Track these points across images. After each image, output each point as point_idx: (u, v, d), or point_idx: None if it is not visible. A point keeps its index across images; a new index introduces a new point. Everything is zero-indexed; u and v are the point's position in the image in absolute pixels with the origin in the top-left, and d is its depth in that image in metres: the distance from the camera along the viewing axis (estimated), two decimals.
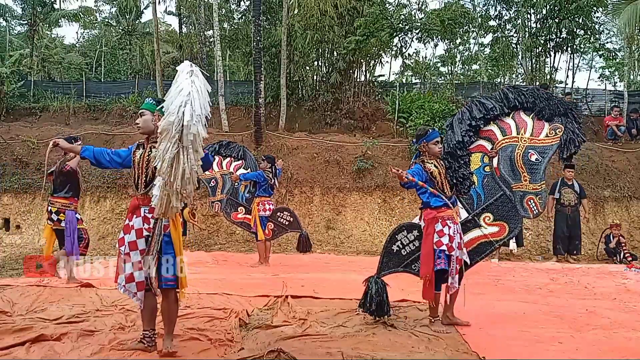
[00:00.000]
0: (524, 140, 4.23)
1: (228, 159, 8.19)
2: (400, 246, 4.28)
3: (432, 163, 4.11)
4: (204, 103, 2.94)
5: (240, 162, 8.12)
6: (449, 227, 3.99)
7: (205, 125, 2.99)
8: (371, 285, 4.20)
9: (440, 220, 4.00)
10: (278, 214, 7.66)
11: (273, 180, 7.46)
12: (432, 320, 4.06)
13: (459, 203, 4.34)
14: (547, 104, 4.20)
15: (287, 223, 7.64)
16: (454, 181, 4.11)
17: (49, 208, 5.79)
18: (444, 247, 3.93)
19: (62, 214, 5.76)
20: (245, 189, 7.95)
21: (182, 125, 2.84)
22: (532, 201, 4.18)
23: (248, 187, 7.86)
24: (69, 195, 5.81)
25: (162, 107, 3.03)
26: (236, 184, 8.00)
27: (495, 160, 4.30)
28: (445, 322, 4.09)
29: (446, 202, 4.03)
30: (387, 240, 4.38)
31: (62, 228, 5.74)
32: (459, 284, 4.05)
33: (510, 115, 4.30)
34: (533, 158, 4.18)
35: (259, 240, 7.46)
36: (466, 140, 4.21)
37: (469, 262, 4.17)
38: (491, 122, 4.31)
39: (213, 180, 8.16)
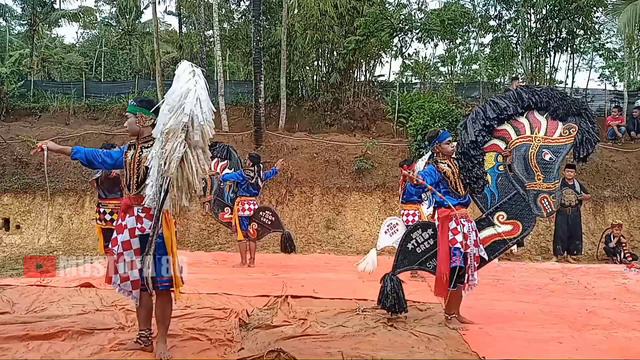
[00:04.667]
0: (538, 140, 4.25)
1: (215, 159, 8.14)
2: (415, 244, 4.34)
3: (445, 163, 4.16)
4: (209, 103, 2.96)
5: (225, 162, 8.04)
6: (463, 225, 4.05)
7: (211, 125, 3.00)
8: (387, 283, 4.28)
9: (454, 219, 4.05)
10: (260, 213, 7.45)
11: (254, 179, 7.27)
12: (449, 318, 4.10)
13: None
14: (561, 104, 4.20)
15: (269, 223, 7.43)
16: (467, 181, 4.13)
17: (101, 209, 6.18)
18: (458, 245, 3.98)
19: (115, 214, 6.10)
20: (229, 189, 7.88)
21: (194, 125, 2.85)
22: (545, 200, 4.21)
23: (232, 187, 7.77)
24: (118, 195, 6.23)
25: (155, 107, 3.08)
26: (222, 184, 7.96)
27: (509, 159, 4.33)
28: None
29: (459, 201, 4.08)
30: (402, 238, 4.45)
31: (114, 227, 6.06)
32: (477, 281, 4.14)
33: (524, 115, 4.31)
34: (547, 157, 4.20)
35: (239, 240, 7.41)
36: (480, 140, 4.23)
37: (486, 259, 4.22)
38: (505, 122, 4.32)
39: (202, 180, 8.12)
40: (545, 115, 4.27)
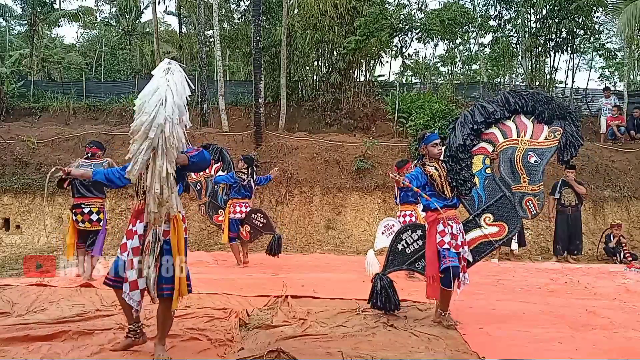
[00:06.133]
0: (524, 143, 4.34)
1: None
2: (405, 245, 4.39)
3: (432, 166, 4.17)
4: (179, 102, 2.88)
5: (219, 164, 7.98)
6: (451, 227, 4.06)
7: (184, 123, 2.93)
8: (377, 282, 4.34)
9: (441, 221, 4.06)
10: (252, 215, 7.41)
11: (247, 181, 7.23)
12: (444, 314, 4.11)
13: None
14: (547, 107, 4.31)
15: (261, 225, 7.39)
16: (455, 183, 4.15)
17: (87, 209, 5.83)
18: (447, 246, 4.00)
19: (102, 214, 5.95)
20: (223, 191, 7.86)
21: (155, 125, 2.78)
22: (530, 202, 4.29)
23: (225, 190, 7.74)
24: (103, 195, 6.06)
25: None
26: (216, 186, 7.93)
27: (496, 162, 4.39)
28: (437, 320, 4.16)
29: (446, 203, 4.08)
30: (392, 239, 4.49)
31: (99, 228, 5.92)
32: (468, 281, 4.16)
33: (511, 119, 4.40)
34: (532, 160, 4.29)
35: (224, 242, 7.40)
36: (468, 144, 4.28)
37: (471, 260, 4.25)
38: (493, 125, 4.40)
39: (199, 183, 8.11)
40: (531, 119, 4.37)
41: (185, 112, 2.99)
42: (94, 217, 5.88)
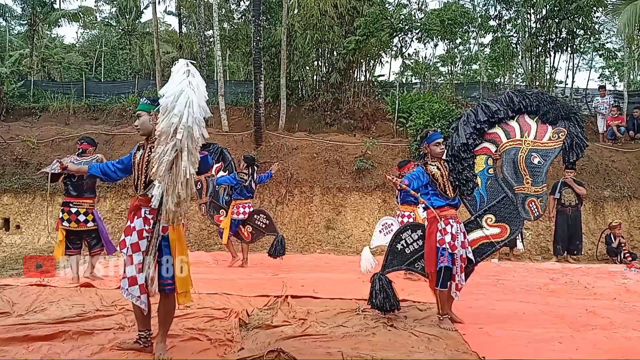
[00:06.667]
0: (528, 143, 4.28)
1: None
2: (405, 245, 4.38)
3: (435, 165, 4.15)
4: (202, 104, 2.91)
5: (220, 164, 7.91)
6: (452, 226, 4.06)
7: (203, 126, 2.97)
8: (375, 282, 4.32)
9: (442, 219, 4.05)
10: (255, 216, 7.43)
11: (248, 182, 7.24)
12: (441, 318, 4.10)
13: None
14: (551, 108, 4.24)
15: (263, 226, 7.41)
16: (457, 183, 4.13)
17: (74, 209, 5.77)
18: (446, 245, 4.00)
19: (90, 214, 5.87)
20: (224, 191, 7.83)
21: (183, 127, 2.80)
22: (533, 203, 4.24)
23: (227, 190, 7.73)
24: (93, 195, 5.99)
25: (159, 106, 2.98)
26: (217, 186, 7.93)
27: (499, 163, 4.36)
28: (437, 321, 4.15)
29: (448, 202, 4.07)
30: (392, 238, 4.47)
31: (90, 228, 5.84)
32: (465, 282, 4.15)
33: (515, 119, 4.35)
34: (535, 161, 4.23)
35: (224, 243, 7.40)
36: (470, 143, 4.25)
37: (474, 260, 4.23)
38: (496, 125, 4.36)
39: (199, 182, 8.05)
40: (535, 119, 4.32)
41: (208, 114, 3.00)
42: (81, 217, 5.81)
